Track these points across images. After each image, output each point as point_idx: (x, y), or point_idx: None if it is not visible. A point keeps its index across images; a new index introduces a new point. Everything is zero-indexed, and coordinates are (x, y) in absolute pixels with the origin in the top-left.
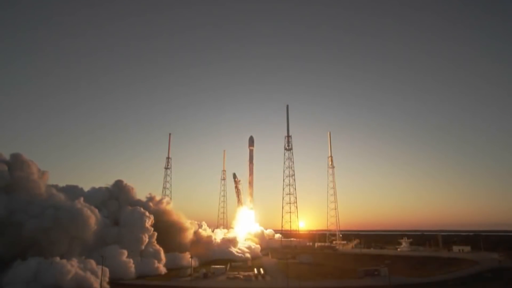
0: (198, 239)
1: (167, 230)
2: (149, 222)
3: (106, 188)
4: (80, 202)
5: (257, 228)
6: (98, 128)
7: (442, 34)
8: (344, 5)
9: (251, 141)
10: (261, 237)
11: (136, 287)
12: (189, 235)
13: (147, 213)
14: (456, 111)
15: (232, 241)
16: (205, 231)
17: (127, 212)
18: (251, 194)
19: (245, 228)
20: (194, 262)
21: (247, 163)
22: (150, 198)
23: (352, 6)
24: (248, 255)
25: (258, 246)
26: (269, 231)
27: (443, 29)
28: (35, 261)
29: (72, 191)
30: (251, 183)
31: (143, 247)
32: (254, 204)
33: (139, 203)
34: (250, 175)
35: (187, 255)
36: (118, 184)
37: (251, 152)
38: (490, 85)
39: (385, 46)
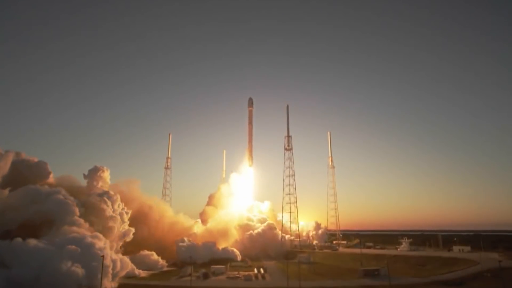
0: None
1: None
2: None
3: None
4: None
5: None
6: (98, 128)
7: (443, 34)
8: (345, 3)
9: (250, 102)
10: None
11: (136, 286)
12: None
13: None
14: (456, 111)
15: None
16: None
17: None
18: (251, 155)
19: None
20: (164, 263)
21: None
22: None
23: (353, 5)
24: (238, 253)
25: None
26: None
27: (444, 29)
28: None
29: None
30: (250, 145)
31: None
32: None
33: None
34: (249, 137)
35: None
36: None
37: (250, 113)
38: (490, 85)
39: (386, 45)
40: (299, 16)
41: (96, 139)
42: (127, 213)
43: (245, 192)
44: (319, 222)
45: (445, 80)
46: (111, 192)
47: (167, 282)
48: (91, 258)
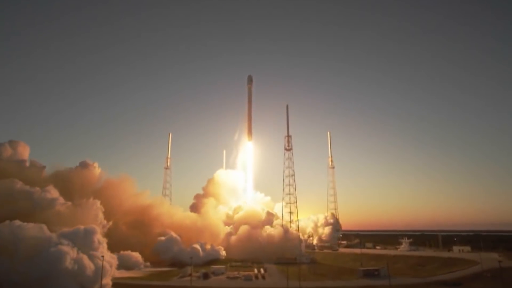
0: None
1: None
2: None
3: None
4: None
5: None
6: (98, 127)
7: (443, 34)
8: (345, 3)
9: (250, 80)
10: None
11: (136, 286)
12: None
13: None
14: (456, 111)
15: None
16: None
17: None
18: (250, 131)
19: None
20: (148, 264)
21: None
22: None
23: (354, 5)
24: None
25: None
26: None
27: (444, 29)
28: None
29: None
30: (249, 122)
31: None
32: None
33: None
34: (248, 114)
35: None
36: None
37: (249, 90)
38: (490, 85)
39: (386, 45)
40: (299, 16)
41: (96, 139)
42: (104, 227)
43: (242, 185)
44: (328, 218)
45: (445, 80)
46: (98, 204)
47: (167, 282)
48: (89, 249)
